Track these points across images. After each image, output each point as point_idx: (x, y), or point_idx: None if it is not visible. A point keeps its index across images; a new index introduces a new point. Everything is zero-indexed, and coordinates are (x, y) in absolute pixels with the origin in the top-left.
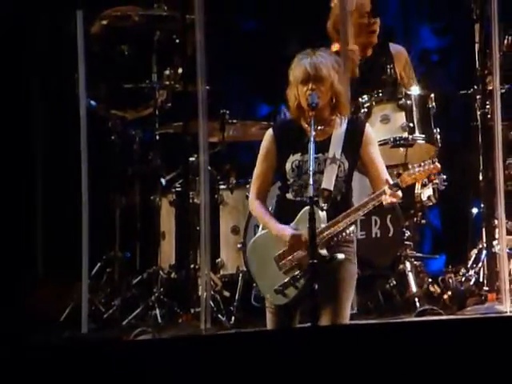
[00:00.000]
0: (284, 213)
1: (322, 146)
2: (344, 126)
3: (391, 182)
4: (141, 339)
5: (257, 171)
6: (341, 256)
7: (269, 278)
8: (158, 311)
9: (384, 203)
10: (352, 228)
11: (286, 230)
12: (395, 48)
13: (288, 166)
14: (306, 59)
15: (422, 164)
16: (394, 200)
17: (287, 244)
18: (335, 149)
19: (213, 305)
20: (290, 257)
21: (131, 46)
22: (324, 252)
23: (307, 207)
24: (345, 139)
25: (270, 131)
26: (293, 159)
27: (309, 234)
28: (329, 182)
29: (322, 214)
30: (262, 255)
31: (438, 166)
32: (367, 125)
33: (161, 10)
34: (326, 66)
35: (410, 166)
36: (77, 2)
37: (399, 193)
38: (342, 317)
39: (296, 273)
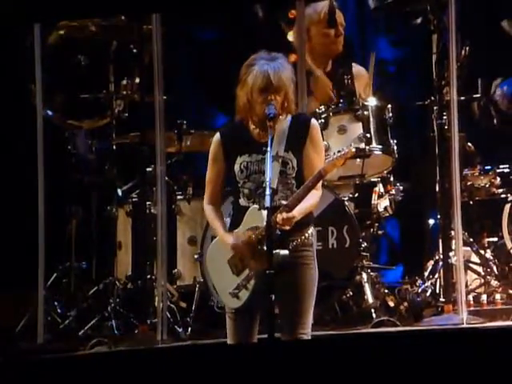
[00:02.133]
0: (239, 219)
1: (267, 146)
2: (287, 122)
3: (285, 204)
4: (96, 352)
5: (208, 176)
6: (283, 252)
7: (225, 282)
8: (114, 322)
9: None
10: (310, 231)
11: (228, 239)
12: (358, 68)
13: (236, 167)
14: (267, 66)
15: (340, 150)
16: (284, 223)
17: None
18: (278, 146)
19: (169, 316)
20: (240, 257)
21: (88, 56)
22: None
23: (252, 207)
24: (288, 136)
25: (217, 135)
26: (240, 161)
27: (266, 244)
28: (272, 180)
29: (264, 213)
30: (218, 261)
31: (353, 150)
32: (312, 119)
33: (118, 20)
34: (285, 76)
35: (329, 156)
36: (34, 15)
37: (292, 217)
38: (303, 324)
39: (246, 273)
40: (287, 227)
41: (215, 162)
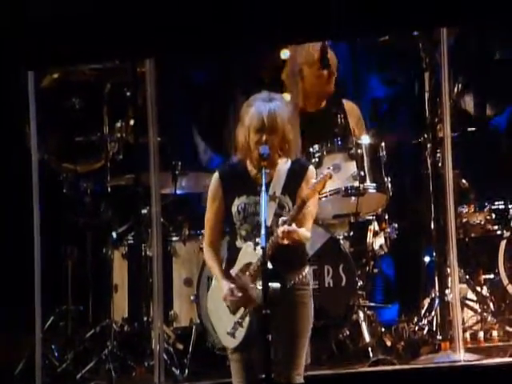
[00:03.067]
0: (234, 260)
1: (266, 188)
2: (286, 166)
3: (284, 219)
4: None
5: (207, 216)
6: (275, 285)
7: (224, 322)
8: (111, 365)
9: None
10: (307, 270)
11: (225, 285)
12: (349, 104)
13: (234, 209)
14: (263, 107)
15: (319, 176)
16: (285, 235)
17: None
18: (276, 188)
19: (166, 358)
20: (236, 296)
21: (82, 98)
22: (259, 284)
23: (247, 244)
24: (286, 179)
25: (215, 175)
26: (238, 202)
27: (262, 283)
28: (267, 219)
29: (258, 249)
30: (217, 302)
31: (331, 172)
32: (310, 167)
33: (111, 62)
34: (281, 117)
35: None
36: (29, 62)
37: (292, 228)
38: (297, 365)
39: (242, 311)
40: (286, 241)
41: (214, 201)
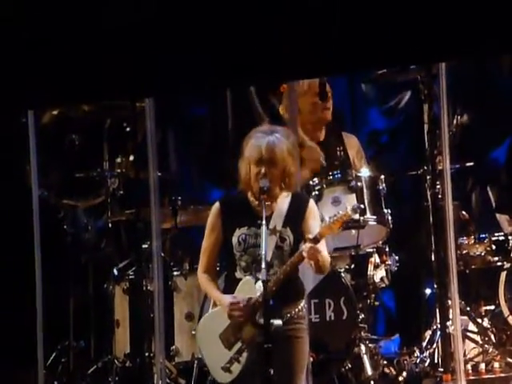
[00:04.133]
0: (232, 291)
1: (267, 221)
2: (288, 200)
3: (311, 237)
4: None
5: (204, 245)
6: (277, 322)
7: (217, 356)
8: None
9: (306, 256)
10: (303, 303)
11: (225, 298)
12: (348, 136)
13: (234, 240)
14: (262, 139)
15: (335, 214)
16: (312, 251)
17: (228, 314)
18: (276, 221)
19: None
20: (232, 331)
21: (82, 134)
22: (261, 321)
23: (246, 278)
24: (288, 213)
25: (216, 204)
26: (239, 233)
27: (263, 317)
28: (267, 253)
29: (258, 284)
30: (209, 335)
31: (349, 212)
32: (311, 200)
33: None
34: (280, 149)
35: (325, 219)
36: (28, 101)
37: (319, 246)
38: None
39: (238, 346)
40: (313, 259)
41: (213, 231)
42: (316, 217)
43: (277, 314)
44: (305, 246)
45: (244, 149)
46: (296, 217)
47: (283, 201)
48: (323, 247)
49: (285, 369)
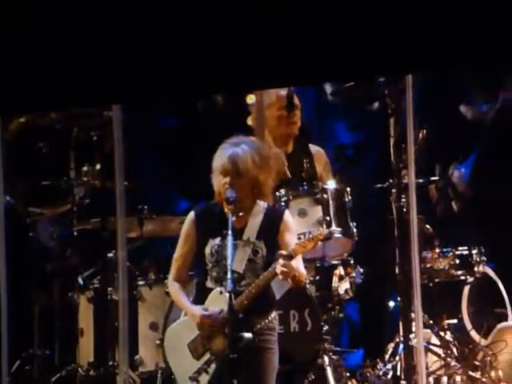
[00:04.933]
0: (202, 302)
1: (240, 233)
2: (262, 211)
3: (285, 253)
4: None
5: (177, 253)
6: (247, 335)
7: (184, 365)
8: None
9: (279, 274)
10: (273, 315)
11: (196, 310)
12: (315, 149)
13: (207, 250)
14: (226, 151)
15: (310, 232)
16: (285, 269)
17: (198, 326)
18: (250, 233)
19: None
20: (201, 341)
21: (49, 142)
22: (231, 334)
23: (216, 290)
24: (262, 224)
25: (191, 214)
26: (212, 244)
27: (229, 328)
28: (239, 264)
29: (226, 296)
30: (178, 344)
31: (324, 231)
32: (287, 212)
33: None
34: (244, 161)
35: (299, 237)
36: None
37: (293, 263)
38: None
39: (207, 357)
40: (288, 276)
41: (186, 240)
42: (291, 229)
43: (247, 326)
44: (278, 263)
45: (212, 162)
46: (270, 229)
47: (257, 213)
48: (299, 262)
49: (254, 380)
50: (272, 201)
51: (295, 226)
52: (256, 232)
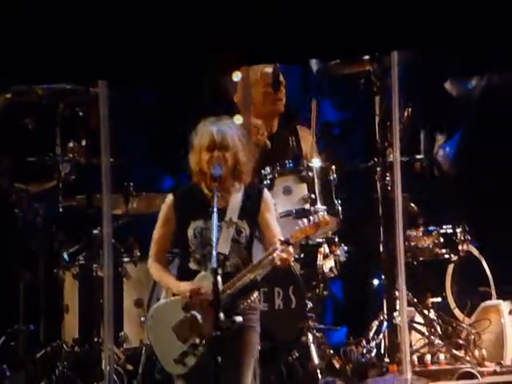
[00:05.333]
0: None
1: (222, 213)
2: (242, 191)
3: (282, 239)
4: None
5: (156, 235)
6: (239, 319)
7: (168, 347)
8: None
9: (277, 261)
10: (256, 294)
11: (185, 285)
12: (302, 129)
13: (190, 232)
14: (213, 126)
15: (311, 218)
16: (285, 256)
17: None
18: (232, 214)
19: (116, 378)
20: (189, 324)
21: (35, 119)
22: (222, 316)
23: (203, 273)
24: (242, 205)
25: (170, 196)
26: (194, 226)
27: (214, 308)
28: (224, 245)
29: (218, 278)
30: (161, 325)
31: (327, 218)
32: (265, 190)
33: (64, 83)
34: (231, 135)
35: (299, 222)
36: None
37: (291, 249)
38: None
39: (195, 340)
40: (288, 263)
41: (165, 223)
42: (271, 209)
43: (230, 306)
44: (279, 246)
45: (193, 141)
46: (251, 209)
47: (237, 192)
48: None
49: (234, 358)
50: (250, 181)
51: (277, 208)
52: (238, 212)
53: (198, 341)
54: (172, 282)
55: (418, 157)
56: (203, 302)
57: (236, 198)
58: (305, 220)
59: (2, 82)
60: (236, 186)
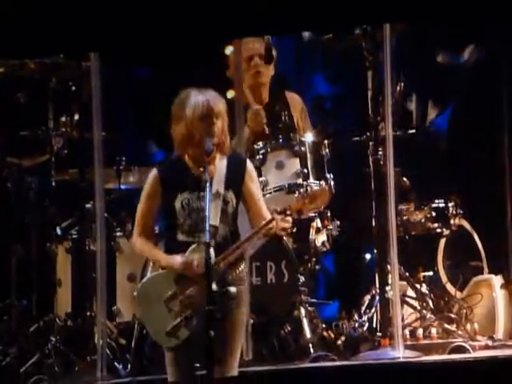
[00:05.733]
0: (175, 254)
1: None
2: (224, 162)
3: (279, 209)
4: None
5: (140, 210)
6: (233, 289)
7: (159, 320)
8: (54, 359)
9: (278, 231)
10: (243, 265)
11: (176, 258)
12: (291, 96)
13: (177, 204)
14: (201, 95)
15: (308, 189)
16: (286, 225)
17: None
18: (218, 184)
19: (109, 352)
20: (181, 297)
21: (27, 93)
22: (214, 287)
23: (194, 245)
24: (227, 175)
25: (154, 171)
26: (181, 198)
27: (206, 283)
28: (214, 217)
29: (210, 251)
30: (152, 299)
31: (326, 188)
32: (248, 161)
33: (56, 57)
34: (222, 105)
35: (295, 194)
36: None
37: (290, 219)
38: (234, 358)
39: (187, 313)
40: (289, 233)
41: (150, 197)
42: (254, 179)
43: (219, 277)
44: (277, 216)
45: (179, 111)
46: (236, 179)
47: (220, 163)
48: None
49: (225, 329)
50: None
51: (256, 177)
52: (223, 183)
53: (190, 313)
54: (161, 256)
55: (410, 131)
56: (196, 275)
57: (220, 170)
58: (300, 190)
59: None
60: (219, 157)
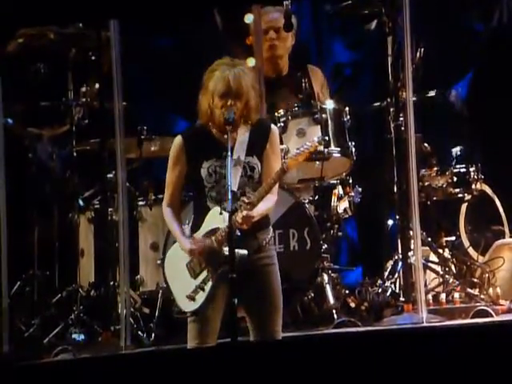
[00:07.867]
0: (201, 222)
1: (231, 151)
2: (248, 129)
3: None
4: (61, 359)
5: (168, 179)
6: (242, 252)
7: (183, 286)
8: (78, 329)
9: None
10: (270, 232)
11: (186, 244)
12: (313, 69)
13: (204, 172)
14: (228, 71)
15: (301, 146)
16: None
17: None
18: (239, 152)
19: (133, 322)
20: (198, 260)
21: (47, 63)
22: (225, 251)
23: (212, 210)
24: (249, 141)
25: (178, 138)
26: (207, 165)
27: (228, 248)
28: (234, 183)
29: (225, 215)
30: (177, 265)
31: (316, 143)
32: (273, 127)
33: (76, 27)
34: (246, 82)
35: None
36: None
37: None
38: (277, 321)
39: (204, 276)
40: (245, 227)
41: (176, 164)
42: (276, 146)
43: (246, 244)
44: (239, 215)
45: (206, 82)
46: (259, 144)
47: (243, 130)
48: None
49: (265, 298)
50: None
51: (279, 141)
52: (245, 150)
53: (207, 276)
54: (176, 235)
55: (430, 95)
56: (204, 251)
57: (242, 137)
58: (295, 149)
59: (13, 25)
60: (243, 125)
